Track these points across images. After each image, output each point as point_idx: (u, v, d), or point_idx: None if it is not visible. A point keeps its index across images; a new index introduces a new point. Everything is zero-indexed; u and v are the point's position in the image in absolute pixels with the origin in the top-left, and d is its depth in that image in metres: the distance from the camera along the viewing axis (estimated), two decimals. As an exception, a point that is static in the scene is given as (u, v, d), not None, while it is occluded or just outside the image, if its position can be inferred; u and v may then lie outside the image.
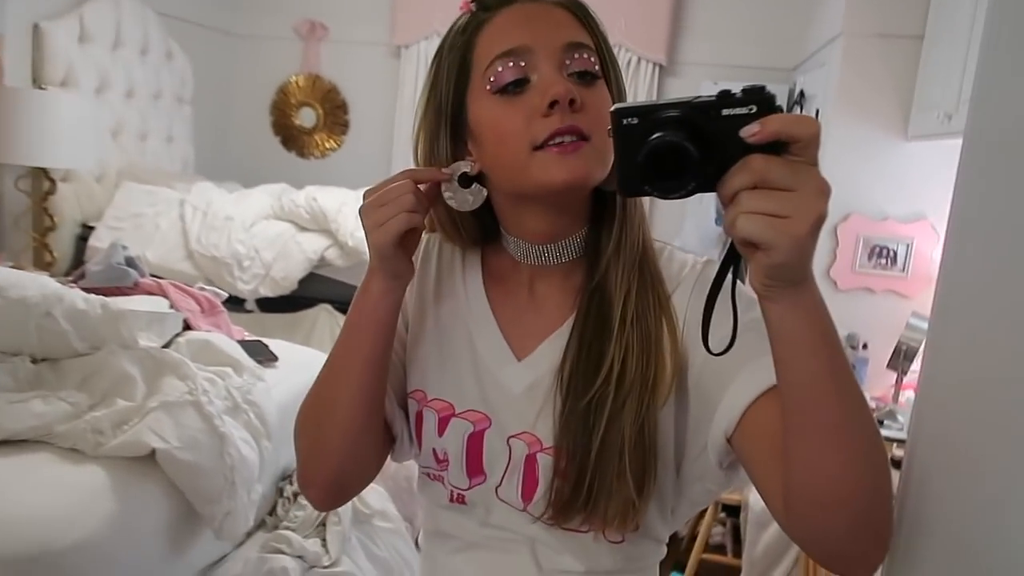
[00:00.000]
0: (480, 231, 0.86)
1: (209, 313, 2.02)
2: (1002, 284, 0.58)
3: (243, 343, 2.02)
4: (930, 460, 0.65)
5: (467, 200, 0.80)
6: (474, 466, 0.84)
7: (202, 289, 2.11)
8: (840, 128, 2.68)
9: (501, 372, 0.84)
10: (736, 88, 0.55)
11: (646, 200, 0.71)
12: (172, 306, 1.96)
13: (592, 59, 0.76)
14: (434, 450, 0.86)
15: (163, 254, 3.15)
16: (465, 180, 0.79)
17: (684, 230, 3.71)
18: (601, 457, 0.76)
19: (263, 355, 2.03)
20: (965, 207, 0.63)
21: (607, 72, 0.79)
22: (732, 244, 0.58)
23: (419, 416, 0.87)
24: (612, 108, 0.57)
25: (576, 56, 0.76)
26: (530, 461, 0.81)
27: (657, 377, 0.78)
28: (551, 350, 0.83)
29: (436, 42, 4.16)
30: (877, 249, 2.79)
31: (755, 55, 3.64)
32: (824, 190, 0.53)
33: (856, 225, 2.76)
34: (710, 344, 0.65)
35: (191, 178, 3.67)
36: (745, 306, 0.63)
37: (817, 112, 2.96)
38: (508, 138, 0.75)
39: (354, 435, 0.83)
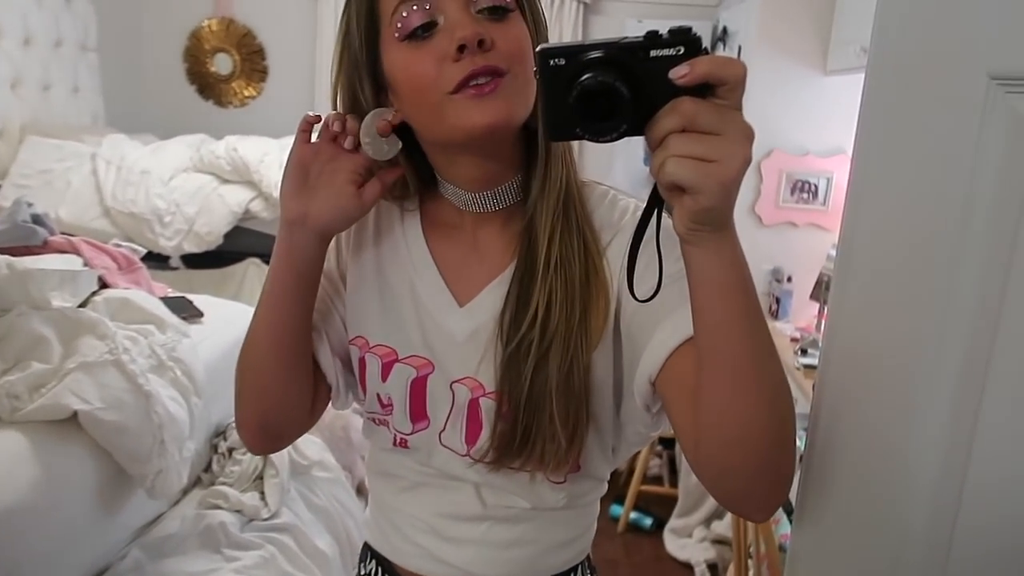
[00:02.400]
0: (418, 180, 0.85)
1: (127, 270, 1.95)
2: (904, 211, 0.60)
3: (166, 300, 1.96)
4: (839, 383, 0.67)
5: (382, 149, 0.78)
6: (418, 411, 0.85)
7: (118, 246, 2.03)
8: (762, 64, 2.71)
9: (443, 318, 0.83)
10: (662, 29, 0.54)
11: (575, 143, 0.70)
12: (86, 264, 1.88)
13: None
14: (378, 395, 0.86)
15: (77, 212, 3.01)
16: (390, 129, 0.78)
17: (613, 171, 3.73)
18: (530, 402, 0.77)
19: (187, 311, 1.97)
20: (868, 136, 0.64)
21: (521, 3, 0.76)
22: (655, 189, 0.58)
23: (362, 362, 0.86)
24: (538, 49, 0.55)
25: None
26: (473, 406, 0.82)
27: (587, 323, 0.77)
28: (493, 296, 0.82)
29: (355, -18, 3.94)
30: (799, 184, 2.86)
31: (679, -8, 3.63)
32: (749, 135, 0.53)
33: (778, 161, 2.82)
34: (636, 291, 0.65)
35: (102, 131, 3.49)
36: (677, 256, 0.63)
37: (740, 49, 2.98)
38: (422, 86, 0.72)
39: (269, 378, 0.84)
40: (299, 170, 0.78)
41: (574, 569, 0.92)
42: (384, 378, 0.85)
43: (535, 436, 0.78)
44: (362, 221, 0.86)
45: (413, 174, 0.84)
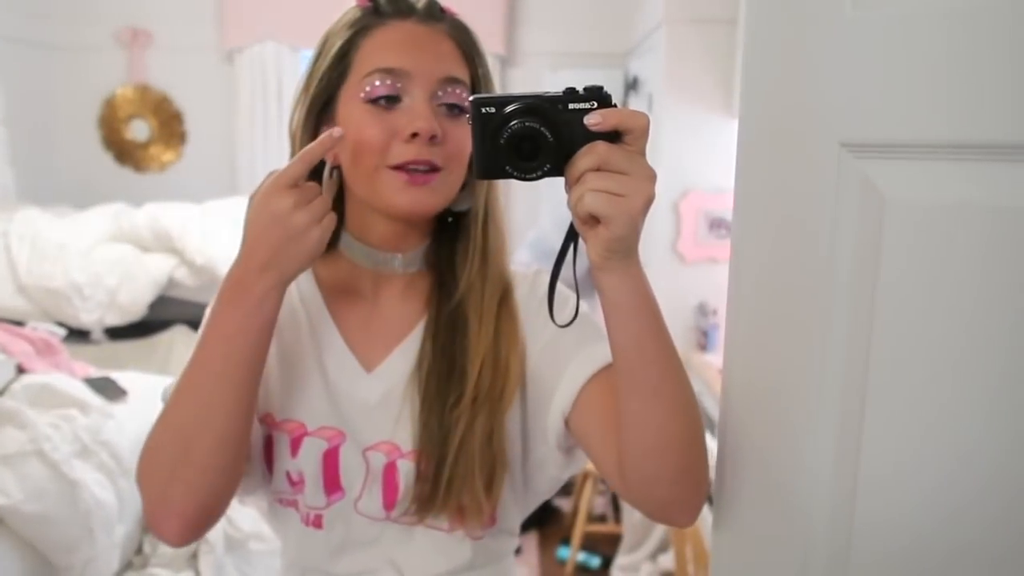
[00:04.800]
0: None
1: (46, 353, 1.89)
2: (778, 263, 0.68)
3: (88, 381, 1.91)
4: (741, 406, 0.74)
5: (334, 186, 0.81)
6: (331, 483, 0.84)
7: (35, 329, 1.97)
8: (672, 110, 2.83)
9: (352, 385, 0.84)
10: (578, 86, 0.63)
11: (504, 191, 0.78)
12: (2, 351, 1.83)
13: (464, 94, 0.80)
14: (288, 473, 0.84)
15: (-11, 291, 2.91)
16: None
17: (540, 215, 3.81)
18: (456, 466, 0.80)
19: (110, 391, 1.92)
20: (745, 192, 0.73)
21: None
22: (572, 224, 0.66)
23: (268, 440, 0.85)
24: (471, 98, 0.64)
25: (450, 90, 0.79)
26: (389, 470, 0.83)
27: (504, 390, 0.82)
28: (402, 359, 0.84)
29: (271, 46, 3.93)
30: (716, 221, 2.98)
31: (591, 42, 3.76)
32: (652, 176, 0.62)
33: (695, 200, 2.93)
34: (556, 319, 0.71)
35: (13, 204, 3.39)
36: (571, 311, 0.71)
37: (651, 97, 3.11)
38: (367, 149, 0.77)
39: (222, 459, 0.75)
40: (278, 224, 0.69)
41: None
42: (294, 454, 0.83)
43: (457, 493, 0.80)
44: None
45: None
